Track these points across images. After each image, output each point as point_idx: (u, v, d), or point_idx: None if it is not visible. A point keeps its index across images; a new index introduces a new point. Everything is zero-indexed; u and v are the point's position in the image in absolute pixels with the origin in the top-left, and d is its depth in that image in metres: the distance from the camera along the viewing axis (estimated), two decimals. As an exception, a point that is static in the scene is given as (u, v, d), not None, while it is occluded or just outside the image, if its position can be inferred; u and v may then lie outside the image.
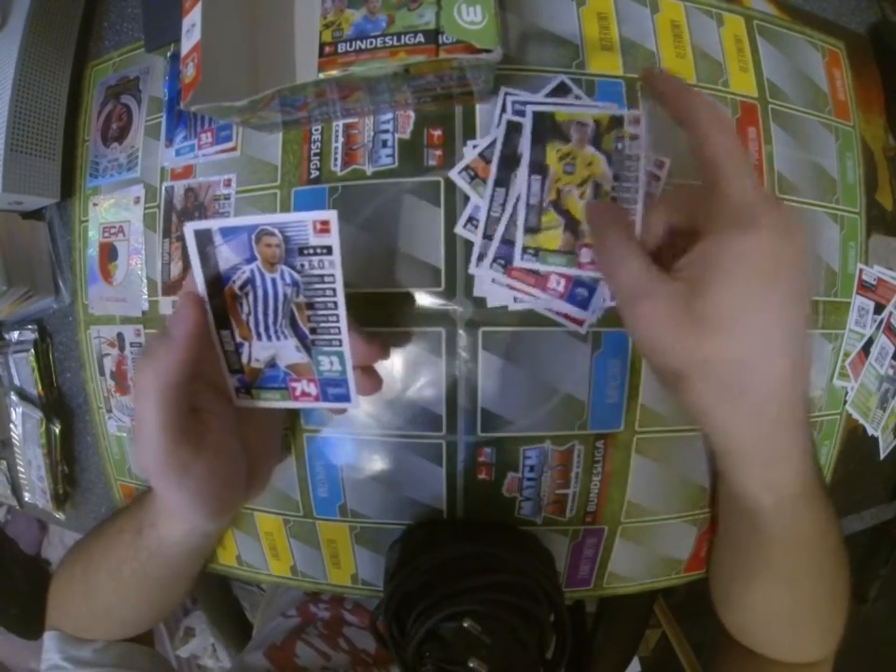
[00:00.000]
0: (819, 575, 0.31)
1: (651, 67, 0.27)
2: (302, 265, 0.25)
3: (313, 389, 0.28)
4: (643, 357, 0.30)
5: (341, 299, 0.25)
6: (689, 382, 0.24)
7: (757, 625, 0.34)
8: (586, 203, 0.31)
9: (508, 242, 0.33)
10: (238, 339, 0.28)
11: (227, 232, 0.25)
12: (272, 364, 0.28)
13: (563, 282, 0.33)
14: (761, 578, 0.31)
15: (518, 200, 0.33)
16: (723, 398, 0.24)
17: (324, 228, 0.24)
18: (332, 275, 0.25)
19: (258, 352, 0.28)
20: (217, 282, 0.26)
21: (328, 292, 0.25)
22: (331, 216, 0.23)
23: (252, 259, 0.25)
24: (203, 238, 0.25)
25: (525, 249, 0.33)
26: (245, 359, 0.28)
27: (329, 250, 0.24)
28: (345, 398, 0.28)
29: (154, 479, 0.27)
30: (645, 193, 0.30)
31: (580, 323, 0.33)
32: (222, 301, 0.27)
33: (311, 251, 0.24)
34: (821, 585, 0.32)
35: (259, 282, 0.26)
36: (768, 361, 0.23)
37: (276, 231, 0.24)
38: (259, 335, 0.27)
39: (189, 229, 0.25)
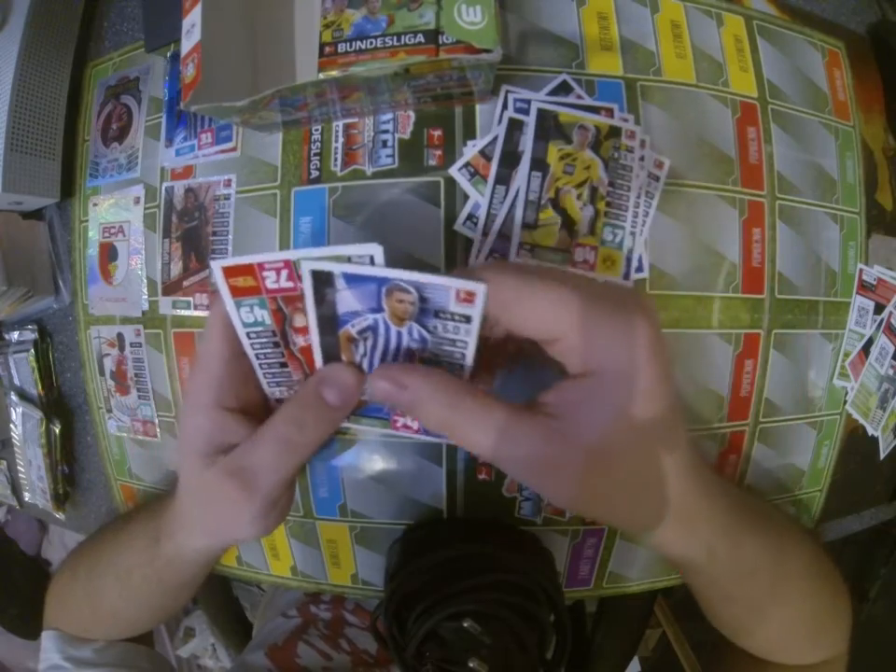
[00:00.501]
0: (784, 597, 0.31)
1: None
2: (435, 327, 0.23)
3: (414, 424, 0.27)
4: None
5: (469, 362, 0.24)
6: (594, 504, 0.23)
7: (741, 638, 0.34)
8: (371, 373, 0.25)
9: (504, 237, 0.33)
10: None
11: (351, 279, 0.22)
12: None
13: None
14: (725, 607, 0.32)
15: (517, 194, 0.33)
16: (630, 503, 0.23)
17: (468, 299, 0.21)
18: (466, 342, 0.23)
19: (367, 389, 0.26)
20: (330, 322, 0.24)
21: (456, 355, 0.23)
22: (479, 288, 0.21)
23: (379, 310, 0.23)
24: (322, 279, 0.22)
25: (521, 245, 0.33)
26: None
27: (468, 319, 0.22)
28: (442, 435, 0.27)
29: (247, 531, 0.27)
30: (636, 202, 0.31)
31: None
32: (335, 339, 0.24)
33: (448, 316, 0.22)
34: (791, 604, 0.32)
35: (381, 331, 0.24)
36: (661, 448, 0.22)
37: (412, 290, 0.22)
38: (368, 369, 0.25)
39: (307, 269, 0.22)
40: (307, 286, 0.22)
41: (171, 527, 0.32)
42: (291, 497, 0.31)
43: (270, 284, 0.23)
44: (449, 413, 0.22)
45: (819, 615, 0.33)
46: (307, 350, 0.25)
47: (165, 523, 0.33)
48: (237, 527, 0.27)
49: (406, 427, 0.28)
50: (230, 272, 0.22)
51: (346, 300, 0.23)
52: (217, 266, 0.22)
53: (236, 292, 0.23)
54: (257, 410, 0.28)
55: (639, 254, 0.34)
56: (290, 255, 0.22)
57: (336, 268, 0.22)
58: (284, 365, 0.26)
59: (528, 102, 0.33)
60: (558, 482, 0.22)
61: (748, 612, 0.31)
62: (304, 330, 0.24)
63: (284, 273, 0.22)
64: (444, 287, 0.21)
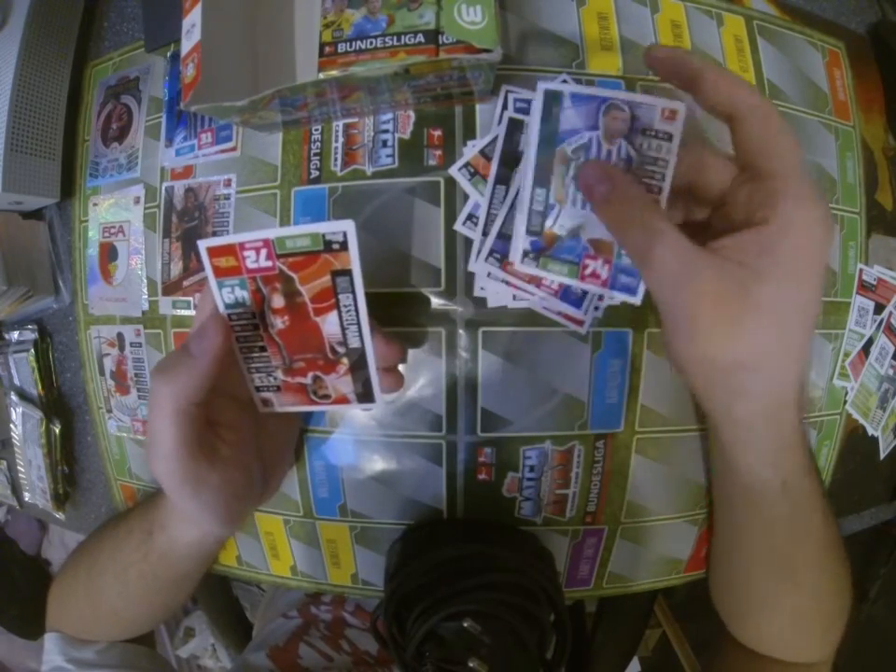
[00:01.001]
0: (821, 568, 0.31)
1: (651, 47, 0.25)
2: (641, 144, 0.26)
3: (605, 272, 0.28)
4: (668, 345, 0.26)
5: (667, 183, 0.26)
6: (720, 370, 0.24)
7: (761, 622, 0.34)
8: (580, 165, 0.26)
9: (504, 236, 0.33)
10: (551, 201, 0.28)
11: (577, 99, 0.26)
12: (574, 235, 0.28)
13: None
14: (765, 569, 0.31)
15: (518, 195, 0.32)
16: (749, 384, 0.24)
17: (671, 116, 0.25)
18: (666, 161, 0.26)
19: (565, 218, 0.27)
20: (551, 139, 0.27)
21: (657, 176, 0.26)
22: (680, 107, 0.25)
23: (595, 128, 0.26)
24: (552, 98, 0.26)
25: (525, 253, 0.32)
26: (549, 223, 0.28)
27: (669, 137, 0.25)
28: (632, 290, 0.28)
29: (169, 491, 0.27)
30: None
31: (579, 323, 0.33)
32: (551, 156, 0.27)
33: (653, 133, 0.26)
34: (824, 579, 0.31)
35: (594, 150, 0.27)
36: (796, 351, 0.23)
37: (626, 108, 0.26)
38: (573, 201, 0.27)
39: (541, 87, 0.26)
40: (537, 102, 0.26)
41: (163, 518, 0.32)
42: (260, 479, 0.31)
43: (250, 264, 0.24)
44: (646, 220, 0.23)
45: (836, 599, 0.33)
46: (285, 333, 0.26)
47: (158, 515, 0.33)
48: (164, 465, 0.25)
49: (594, 275, 0.28)
50: (213, 252, 0.23)
51: (570, 117, 0.26)
52: (202, 245, 0.23)
53: (218, 272, 0.24)
54: (240, 395, 0.29)
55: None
56: (269, 233, 0.23)
57: (566, 88, 0.26)
58: (263, 349, 0.27)
59: (525, 102, 0.33)
60: (725, 325, 0.22)
61: (784, 573, 0.31)
62: (283, 311, 0.25)
63: (263, 252, 0.23)
64: (652, 104, 0.25)
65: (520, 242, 0.29)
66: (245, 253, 0.24)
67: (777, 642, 0.34)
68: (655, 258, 0.22)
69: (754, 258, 0.22)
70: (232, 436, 0.28)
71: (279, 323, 0.26)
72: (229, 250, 0.24)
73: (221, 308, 0.26)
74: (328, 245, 0.23)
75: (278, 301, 0.25)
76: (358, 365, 0.27)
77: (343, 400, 0.29)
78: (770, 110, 0.23)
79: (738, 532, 0.32)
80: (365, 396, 0.28)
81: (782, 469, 0.27)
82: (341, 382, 0.28)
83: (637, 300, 0.28)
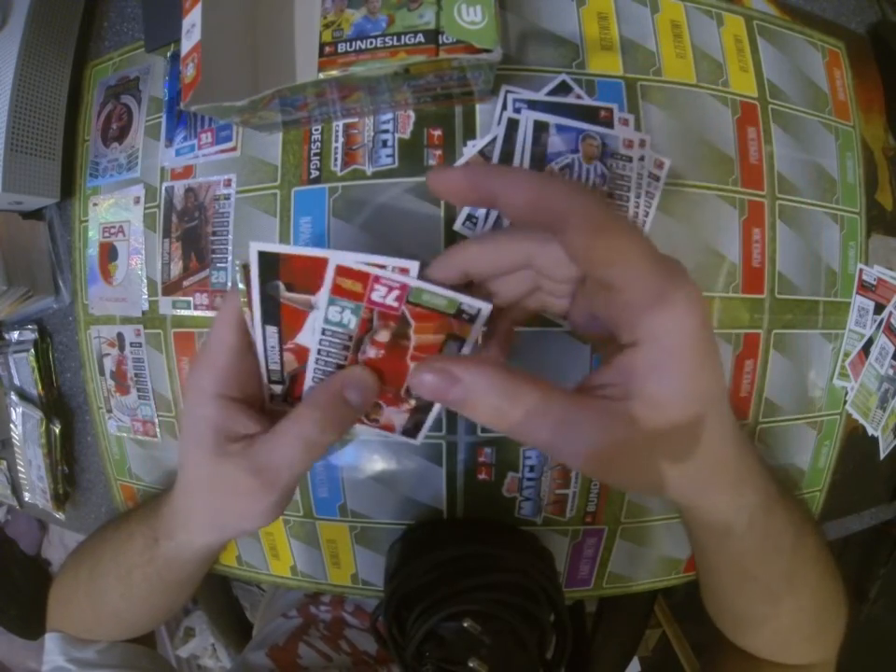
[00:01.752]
0: (800, 583, 0.31)
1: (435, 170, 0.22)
2: (611, 165, 0.33)
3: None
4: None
5: (633, 197, 0.32)
6: (649, 474, 0.22)
7: (751, 639, 0.34)
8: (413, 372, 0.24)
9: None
10: None
11: (561, 129, 0.33)
12: None
13: None
14: (744, 596, 0.31)
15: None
16: (681, 464, 0.22)
17: (629, 145, 0.33)
18: (630, 177, 0.33)
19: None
20: (540, 159, 0.33)
21: (624, 188, 0.33)
22: (636, 137, 0.32)
23: (576, 150, 0.33)
24: (541, 126, 0.33)
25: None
26: None
27: (630, 159, 0.33)
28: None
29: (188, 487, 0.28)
30: (636, 203, 0.34)
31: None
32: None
33: (620, 157, 0.33)
34: (803, 592, 0.32)
35: (577, 168, 0.33)
36: (714, 418, 0.21)
37: (598, 137, 0.33)
38: None
39: (530, 118, 0.33)
40: (528, 129, 0.33)
41: (169, 526, 0.32)
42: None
43: (375, 297, 0.23)
44: (507, 404, 0.20)
45: (824, 609, 0.33)
46: (373, 362, 0.26)
47: (163, 522, 0.33)
48: (250, 520, 0.27)
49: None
50: (342, 271, 0.23)
51: (555, 142, 0.33)
52: (333, 262, 0.23)
53: (337, 291, 0.24)
54: (257, 406, 0.28)
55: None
56: (409, 280, 0.23)
57: (552, 119, 0.33)
58: (340, 367, 0.26)
59: (525, 103, 0.33)
60: (613, 466, 0.21)
61: (764, 596, 0.31)
62: (383, 346, 0.25)
63: (395, 293, 0.23)
64: (615, 136, 0.33)
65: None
66: (377, 286, 0.23)
67: (766, 650, 0.35)
68: (525, 437, 0.21)
69: (637, 382, 0.20)
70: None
71: (372, 352, 0.25)
72: (360, 276, 0.23)
73: (318, 321, 0.25)
74: (458, 314, 0.23)
75: (383, 336, 0.25)
76: (422, 409, 0.27)
77: (388, 428, 0.29)
78: (588, 209, 0.19)
79: (711, 568, 0.32)
80: (411, 432, 0.29)
81: (743, 510, 0.26)
82: (397, 415, 0.28)
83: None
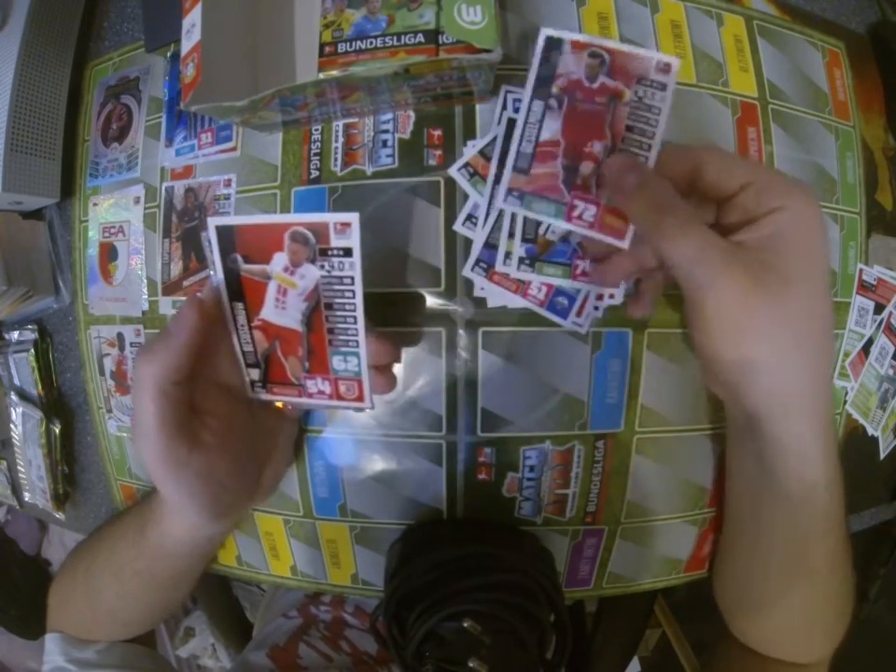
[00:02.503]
0: (836, 565, 0.31)
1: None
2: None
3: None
4: (694, 339, 0.27)
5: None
6: (745, 366, 0.25)
7: (770, 620, 0.34)
8: (606, 161, 0.27)
9: (491, 246, 0.33)
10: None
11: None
12: (564, 239, 0.32)
13: (544, 289, 0.33)
14: (784, 567, 0.31)
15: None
16: (793, 364, 0.25)
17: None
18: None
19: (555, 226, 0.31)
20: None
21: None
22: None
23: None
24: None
25: (521, 260, 0.33)
26: (542, 231, 0.31)
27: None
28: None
29: (151, 470, 0.27)
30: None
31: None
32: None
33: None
34: (837, 577, 0.31)
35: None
36: (814, 351, 0.25)
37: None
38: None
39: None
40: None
41: (155, 514, 0.32)
42: (252, 476, 0.32)
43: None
44: (677, 209, 0.24)
45: (839, 601, 0.33)
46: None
47: (151, 511, 0.33)
48: (146, 443, 0.26)
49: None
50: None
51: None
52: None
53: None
54: (234, 388, 0.30)
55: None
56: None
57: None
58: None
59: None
60: (750, 313, 0.23)
61: (806, 578, 0.31)
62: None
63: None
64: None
65: (508, 246, 0.31)
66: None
67: (781, 641, 0.34)
68: (687, 246, 0.23)
69: (774, 255, 0.23)
70: (218, 424, 0.28)
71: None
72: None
73: (220, 281, 0.27)
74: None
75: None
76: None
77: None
78: (720, 150, 0.26)
79: (763, 531, 0.31)
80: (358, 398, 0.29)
81: (827, 468, 0.27)
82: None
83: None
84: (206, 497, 0.28)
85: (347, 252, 0.25)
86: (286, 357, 0.28)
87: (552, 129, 0.29)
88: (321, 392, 0.29)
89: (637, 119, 0.27)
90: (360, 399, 0.28)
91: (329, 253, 0.25)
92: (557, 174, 0.29)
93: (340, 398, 0.29)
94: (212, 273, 0.28)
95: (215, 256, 0.26)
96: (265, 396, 0.30)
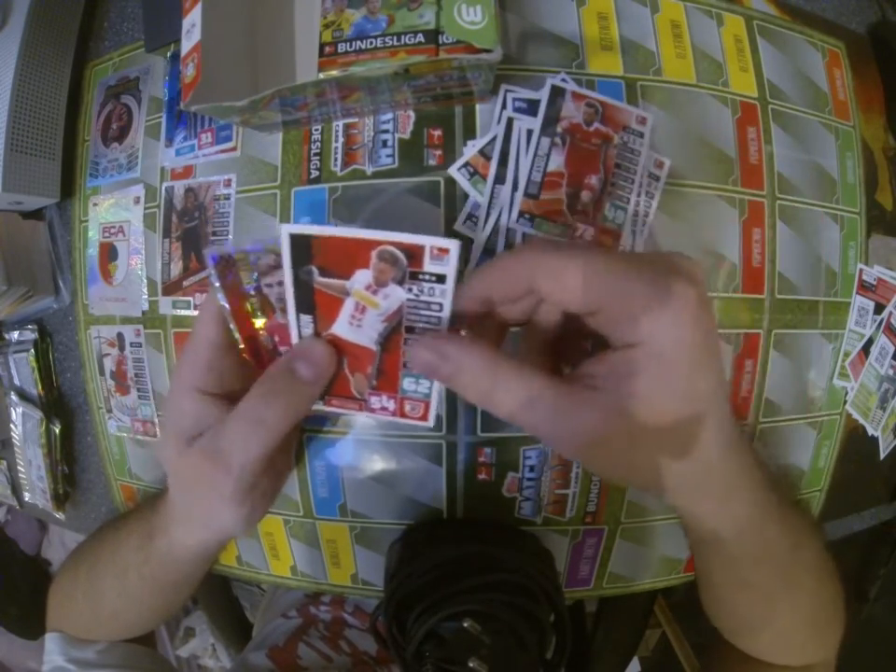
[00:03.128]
0: (796, 588, 0.31)
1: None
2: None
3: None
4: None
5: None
6: (637, 472, 0.22)
7: (744, 636, 0.34)
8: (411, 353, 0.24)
9: (490, 252, 0.33)
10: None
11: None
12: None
13: None
14: (738, 594, 0.31)
15: (523, 162, 0.33)
16: (672, 463, 0.22)
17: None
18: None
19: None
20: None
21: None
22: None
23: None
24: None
25: (521, 213, 0.33)
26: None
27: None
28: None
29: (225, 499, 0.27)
30: (638, 192, 0.32)
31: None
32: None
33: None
34: (800, 597, 0.32)
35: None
36: (710, 420, 0.21)
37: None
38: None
39: (524, 127, 0.30)
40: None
41: (163, 522, 0.32)
42: (276, 484, 0.32)
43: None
44: (489, 384, 0.21)
45: (822, 611, 0.33)
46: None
47: (158, 518, 0.33)
48: (216, 512, 0.27)
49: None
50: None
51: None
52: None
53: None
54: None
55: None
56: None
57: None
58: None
59: (525, 102, 0.33)
60: (599, 455, 0.21)
61: (760, 601, 0.31)
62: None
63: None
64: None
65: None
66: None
67: (769, 655, 0.35)
68: (506, 412, 0.21)
69: (630, 380, 0.20)
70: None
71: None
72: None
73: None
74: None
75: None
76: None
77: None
78: (556, 258, 0.20)
79: (705, 571, 0.32)
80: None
81: (730, 520, 0.26)
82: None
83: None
84: (259, 512, 0.29)
85: (440, 279, 0.22)
86: (352, 373, 0.27)
87: (557, 162, 0.33)
88: (384, 409, 0.27)
89: (623, 158, 0.33)
90: (424, 418, 0.27)
91: (420, 277, 0.22)
92: (562, 199, 0.33)
93: (403, 415, 0.27)
94: (215, 285, 0.26)
95: (285, 265, 0.23)
96: (322, 406, 0.28)
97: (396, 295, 0.23)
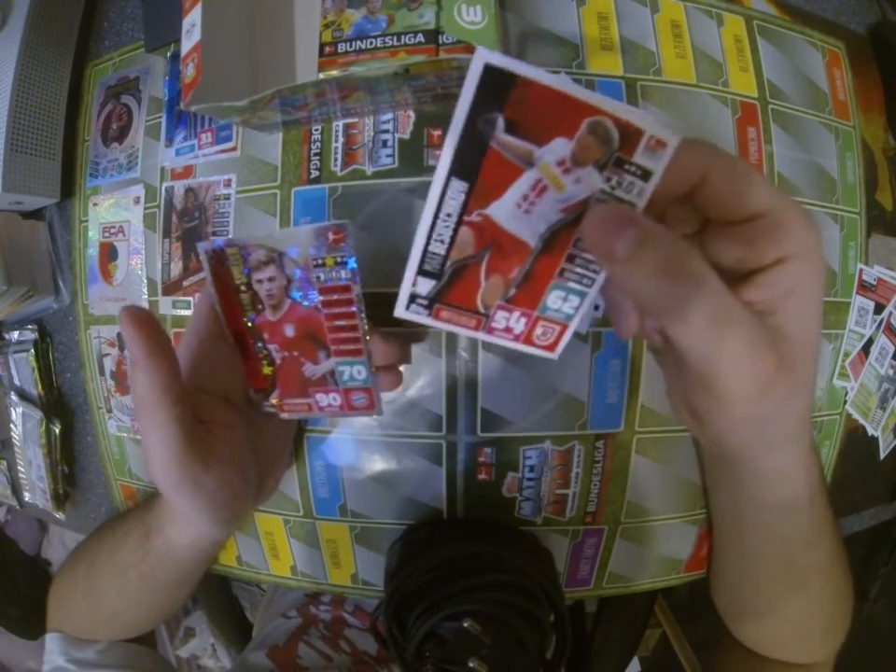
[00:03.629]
0: (829, 571, 0.31)
1: None
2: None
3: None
4: (685, 395, 0.23)
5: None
6: (749, 425, 0.22)
7: (765, 627, 0.34)
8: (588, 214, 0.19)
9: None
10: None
11: None
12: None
13: None
14: (776, 578, 0.31)
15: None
16: (777, 430, 0.22)
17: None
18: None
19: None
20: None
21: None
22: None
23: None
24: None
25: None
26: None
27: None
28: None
29: (166, 493, 0.27)
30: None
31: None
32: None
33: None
34: (830, 583, 0.31)
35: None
36: (812, 386, 0.23)
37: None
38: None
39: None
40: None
41: (159, 521, 0.32)
42: (265, 481, 0.32)
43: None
44: (688, 268, 0.18)
45: (831, 609, 0.33)
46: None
47: (154, 517, 0.33)
48: (158, 467, 0.26)
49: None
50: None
51: None
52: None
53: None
54: (235, 398, 0.29)
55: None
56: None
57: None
58: None
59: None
60: (768, 396, 0.20)
61: (797, 587, 0.31)
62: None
63: None
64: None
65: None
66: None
67: (779, 645, 0.34)
68: (696, 311, 0.18)
69: (790, 322, 0.20)
70: (227, 434, 0.28)
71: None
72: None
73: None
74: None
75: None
76: None
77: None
78: (736, 158, 0.20)
79: (752, 548, 0.31)
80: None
81: (811, 485, 0.27)
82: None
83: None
84: (220, 508, 0.28)
85: (646, 176, 0.18)
86: (488, 276, 0.21)
87: None
88: (508, 330, 0.22)
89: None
90: (553, 347, 0.23)
91: (626, 167, 0.18)
92: None
93: (529, 342, 0.23)
94: (207, 278, 0.26)
95: (463, 104, 0.17)
96: (429, 319, 0.22)
97: (589, 181, 0.19)
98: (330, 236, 0.23)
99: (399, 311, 0.22)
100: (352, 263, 0.24)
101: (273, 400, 0.30)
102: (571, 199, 0.19)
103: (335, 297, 0.25)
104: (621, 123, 0.18)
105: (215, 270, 0.25)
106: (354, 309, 0.25)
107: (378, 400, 0.28)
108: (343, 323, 0.26)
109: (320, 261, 0.25)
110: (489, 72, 0.16)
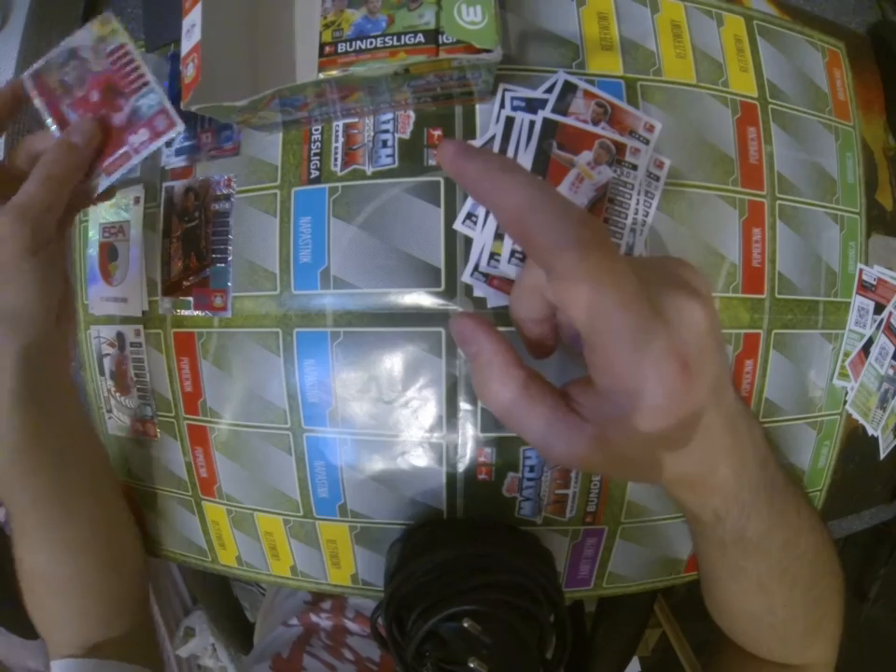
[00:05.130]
0: (792, 581, 0.31)
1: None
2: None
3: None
4: None
5: (633, 201, 0.33)
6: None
7: (741, 629, 0.34)
8: (453, 318, 0.23)
9: (493, 254, 0.33)
10: None
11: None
12: None
13: None
14: (734, 584, 0.31)
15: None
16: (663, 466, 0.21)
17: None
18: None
19: None
20: None
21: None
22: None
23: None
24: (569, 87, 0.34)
25: (513, 253, 0.33)
26: None
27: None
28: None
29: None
30: (639, 189, 0.34)
31: None
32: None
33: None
34: (796, 591, 0.31)
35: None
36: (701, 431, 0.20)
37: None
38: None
39: (526, 119, 0.34)
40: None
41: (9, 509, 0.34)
42: (62, 253, 0.34)
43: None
44: (508, 397, 0.21)
45: (819, 606, 0.33)
46: None
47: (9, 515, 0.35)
48: (15, 271, 0.29)
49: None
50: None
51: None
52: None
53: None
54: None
55: (639, 253, 0.34)
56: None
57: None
58: None
59: (523, 101, 0.34)
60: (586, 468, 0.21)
61: (755, 590, 0.30)
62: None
63: None
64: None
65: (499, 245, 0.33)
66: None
67: (762, 647, 0.34)
68: (531, 430, 0.21)
69: (608, 423, 0.19)
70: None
71: None
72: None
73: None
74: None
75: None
76: None
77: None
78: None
79: (702, 552, 0.32)
80: None
81: (707, 509, 0.26)
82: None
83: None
84: (42, 297, 0.31)
85: (634, 167, 0.33)
86: None
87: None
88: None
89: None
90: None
91: (622, 163, 0.33)
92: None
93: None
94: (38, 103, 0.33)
95: (535, 136, 0.33)
96: (483, 283, 0.34)
97: (606, 173, 0.33)
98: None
99: (465, 277, 0.34)
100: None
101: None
102: (598, 183, 0.33)
103: (116, 55, 0.33)
104: (615, 141, 0.33)
105: (39, 91, 0.32)
106: (129, 48, 0.33)
107: (176, 116, 0.31)
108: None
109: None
110: (547, 121, 0.33)
